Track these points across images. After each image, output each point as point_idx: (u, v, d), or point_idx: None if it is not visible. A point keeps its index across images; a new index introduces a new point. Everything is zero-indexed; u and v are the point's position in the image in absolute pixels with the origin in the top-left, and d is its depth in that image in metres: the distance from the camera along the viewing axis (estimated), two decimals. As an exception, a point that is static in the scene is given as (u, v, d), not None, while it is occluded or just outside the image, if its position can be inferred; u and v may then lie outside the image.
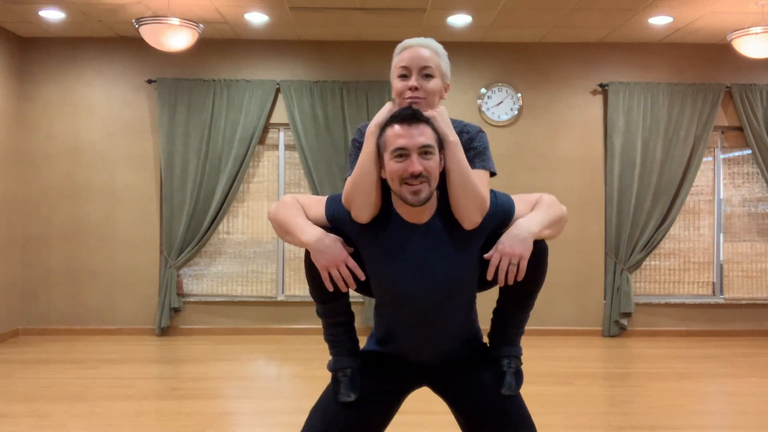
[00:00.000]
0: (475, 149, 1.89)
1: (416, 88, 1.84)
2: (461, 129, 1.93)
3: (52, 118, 6.65)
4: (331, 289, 1.86)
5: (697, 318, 6.76)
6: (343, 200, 1.87)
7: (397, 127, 1.76)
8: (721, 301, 6.80)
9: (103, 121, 6.67)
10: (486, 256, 1.83)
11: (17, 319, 6.59)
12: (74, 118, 6.66)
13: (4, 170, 6.36)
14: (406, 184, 1.75)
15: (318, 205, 1.94)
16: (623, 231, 6.62)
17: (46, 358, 5.62)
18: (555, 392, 4.65)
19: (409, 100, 1.84)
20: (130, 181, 6.67)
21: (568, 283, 6.73)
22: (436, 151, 1.78)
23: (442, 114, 1.84)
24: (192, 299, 6.70)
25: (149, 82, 6.62)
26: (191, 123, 6.56)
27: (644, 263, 6.82)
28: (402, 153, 1.74)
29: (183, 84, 6.57)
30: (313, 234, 1.84)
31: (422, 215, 1.84)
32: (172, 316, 6.65)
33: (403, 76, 1.87)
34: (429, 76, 1.86)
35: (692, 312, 6.77)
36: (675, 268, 6.87)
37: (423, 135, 1.75)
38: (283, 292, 6.81)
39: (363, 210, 1.83)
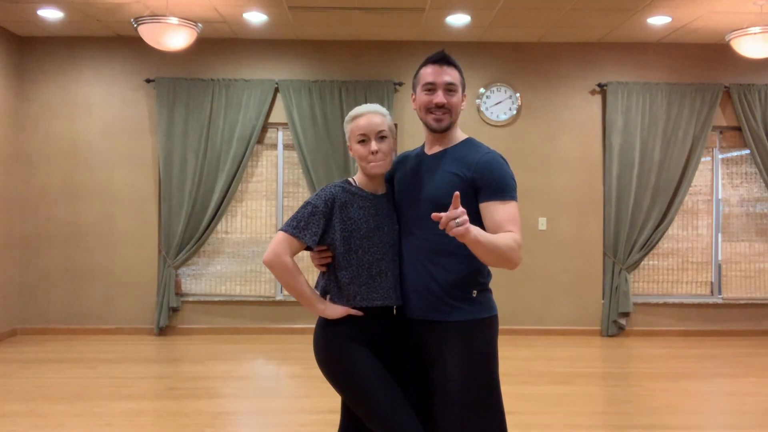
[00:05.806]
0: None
1: (377, 152, 2.16)
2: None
3: (50, 117, 6.64)
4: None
5: (695, 318, 6.77)
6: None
7: (429, 67, 2.18)
8: (720, 300, 6.80)
9: (101, 121, 6.66)
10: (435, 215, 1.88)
11: (15, 319, 6.58)
12: (73, 117, 6.65)
13: (2, 170, 6.35)
14: (431, 113, 2.17)
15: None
16: (622, 231, 6.62)
17: (45, 358, 5.61)
18: (553, 392, 4.65)
19: (372, 164, 2.17)
20: (128, 180, 6.67)
21: (567, 283, 6.74)
22: (460, 90, 2.18)
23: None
24: (190, 299, 6.69)
25: (148, 81, 6.61)
26: (190, 122, 6.56)
27: (643, 263, 6.83)
28: (430, 87, 2.16)
29: (182, 83, 6.57)
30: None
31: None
32: (171, 316, 6.65)
33: (363, 141, 2.19)
34: (384, 137, 2.20)
35: (690, 312, 6.78)
36: (673, 268, 6.88)
37: (449, 75, 2.16)
38: (281, 292, 6.81)
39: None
